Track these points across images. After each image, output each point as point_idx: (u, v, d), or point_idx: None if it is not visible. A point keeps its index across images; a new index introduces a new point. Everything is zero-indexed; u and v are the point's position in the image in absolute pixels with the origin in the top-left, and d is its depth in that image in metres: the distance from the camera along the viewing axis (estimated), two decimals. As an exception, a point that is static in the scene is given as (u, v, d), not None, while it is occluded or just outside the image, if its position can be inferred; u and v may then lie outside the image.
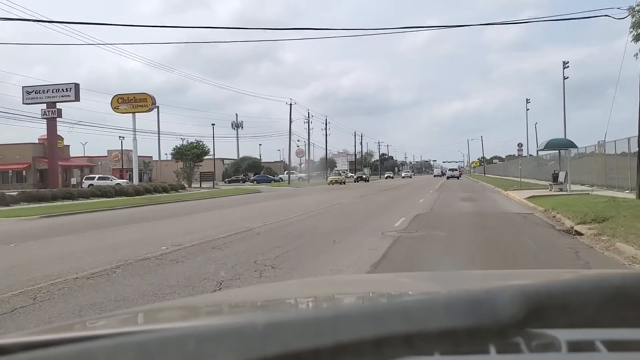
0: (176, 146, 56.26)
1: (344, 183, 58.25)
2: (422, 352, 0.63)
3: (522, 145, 32.13)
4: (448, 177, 75.20)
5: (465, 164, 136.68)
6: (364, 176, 75.66)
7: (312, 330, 0.59)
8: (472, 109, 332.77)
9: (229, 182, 75.07)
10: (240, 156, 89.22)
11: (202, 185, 53.16)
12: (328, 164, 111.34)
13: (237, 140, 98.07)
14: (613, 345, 0.80)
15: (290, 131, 62.06)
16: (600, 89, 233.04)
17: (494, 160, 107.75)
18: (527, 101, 73.57)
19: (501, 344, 0.73)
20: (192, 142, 56.49)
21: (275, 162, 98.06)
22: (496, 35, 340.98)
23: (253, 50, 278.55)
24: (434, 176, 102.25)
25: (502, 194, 28.69)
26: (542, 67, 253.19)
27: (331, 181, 58.54)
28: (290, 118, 62.27)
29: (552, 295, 0.68)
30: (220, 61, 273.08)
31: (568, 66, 51.00)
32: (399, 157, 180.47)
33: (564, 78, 51.83)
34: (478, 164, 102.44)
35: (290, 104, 62.39)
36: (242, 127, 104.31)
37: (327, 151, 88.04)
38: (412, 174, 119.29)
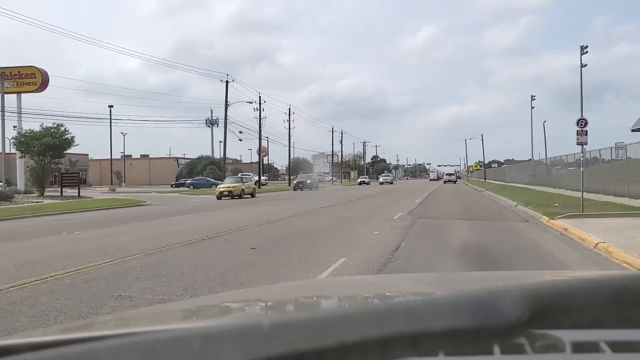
0: (18, 133, 36.34)
1: (252, 195, 35.05)
2: (426, 352, 0.64)
3: (585, 124, 12.55)
4: (445, 182, 72.81)
5: (463, 167, 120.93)
6: (309, 181, 52.71)
7: (317, 331, 0.60)
8: (468, 113, 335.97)
9: (176, 186, 65.41)
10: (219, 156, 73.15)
11: (63, 193, 34.53)
12: (302, 165, 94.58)
13: (212, 138, 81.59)
14: (617, 346, 0.80)
15: (225, 119, 44.96)
16: (597, 95, 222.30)
17: (492, 165, 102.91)
18: (532, 98, 62.94)
19: (505, 345, 0.74)
20: (47, 128, 34.46)
21: (252, 162, 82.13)
22: (493, 40, 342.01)
23: (250, 53, 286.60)
24: (430, 180, 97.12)
25: (549, 228, 13.82)
26: (537, 73, 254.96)
27: (221, 192, 32.90)
28: (227, 101, 45.66)
29: (556, 296, 0.70)
30: (217, 63, 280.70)
31: (587, 51, 37.47)
32: (393, 160, 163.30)
33: (582, 65, 38.83)
34: (478, 167, 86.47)
35: (227, 81, 45.50)
36: (217, 125, 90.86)
37: (293, 149, 72.00)
38: (394, 177, 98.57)
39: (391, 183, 76.67)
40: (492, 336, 0.65)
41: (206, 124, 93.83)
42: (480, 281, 1.86)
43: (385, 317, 0.62)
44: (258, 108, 54.90)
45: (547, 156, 50.49)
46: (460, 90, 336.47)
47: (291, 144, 67.35)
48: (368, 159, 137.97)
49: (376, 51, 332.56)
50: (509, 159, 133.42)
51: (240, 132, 51.08)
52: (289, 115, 66.94)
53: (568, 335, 0.75)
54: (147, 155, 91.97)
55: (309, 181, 52.08)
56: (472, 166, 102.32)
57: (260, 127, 56.88)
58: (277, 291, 2.14)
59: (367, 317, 0.62)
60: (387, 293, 1.78)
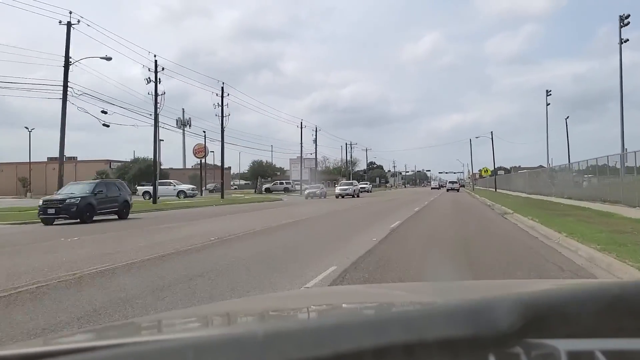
0: None
1: None
2: None
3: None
4: (448, 190, 68.72)
5: (467, 174, 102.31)
6: (74, 201, 19.85)
7: (312, 341, 0.60)
8: (470, 121, 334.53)
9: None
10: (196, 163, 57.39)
11: None
12: (265, 170, 76.14)
13: (183, 140, 64.06)
14: (613, 356, 0.78)
15: (65, 86, 26.44)
16: (600, 103, 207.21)
17: (499, 172, 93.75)
18: (548, 93, 54.70)
19: (500, 354, 0.72)
20: None
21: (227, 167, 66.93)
22: (496, 48, 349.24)
23: (253, 60, 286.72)
24: (432, 188, 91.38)
25: None
26: (541, 81, 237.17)
27: None
28: (67, 54, 26.90)
29: (551, 304, 0.70)
30: (219, 70, 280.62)
31: (629, 22, 32.74)
32: (391, 167, 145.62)
33: (621, 42, 31.48)
34: (489, 172, 67.80)
35: (69, 22, 27.51)
36: (189, 126, 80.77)
37: (272, 152, 52.29)
38: (360, 188, 58.68)
39: (356, 196, 49.86)
40: (488, 345, 0.65)
41: (177, 124, 78.40)
42: (476, 290, 1.81)
43: (380, 326, 0.61)
44: (154, 79, 34.70)
45: (570, 161, 41.67)
46: (462, 98, 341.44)
47: (230, 140, 47.82)
48: (363, 166, 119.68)
49: (379, 59, 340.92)
50: (515, 166, 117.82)
51: (104, 112, 29.63)
52: (222, 97, 44.89)
53: (563, 345, 0.74)
54: (75, 158, 74.72)
55: (72, 202, 20.11)
56: (479, 172, 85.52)
57: (156, 106, 35.29)
58: (271, 301, 2.10)
59: (362, 326, 0.61)
60: (382, 302, 1.72)
